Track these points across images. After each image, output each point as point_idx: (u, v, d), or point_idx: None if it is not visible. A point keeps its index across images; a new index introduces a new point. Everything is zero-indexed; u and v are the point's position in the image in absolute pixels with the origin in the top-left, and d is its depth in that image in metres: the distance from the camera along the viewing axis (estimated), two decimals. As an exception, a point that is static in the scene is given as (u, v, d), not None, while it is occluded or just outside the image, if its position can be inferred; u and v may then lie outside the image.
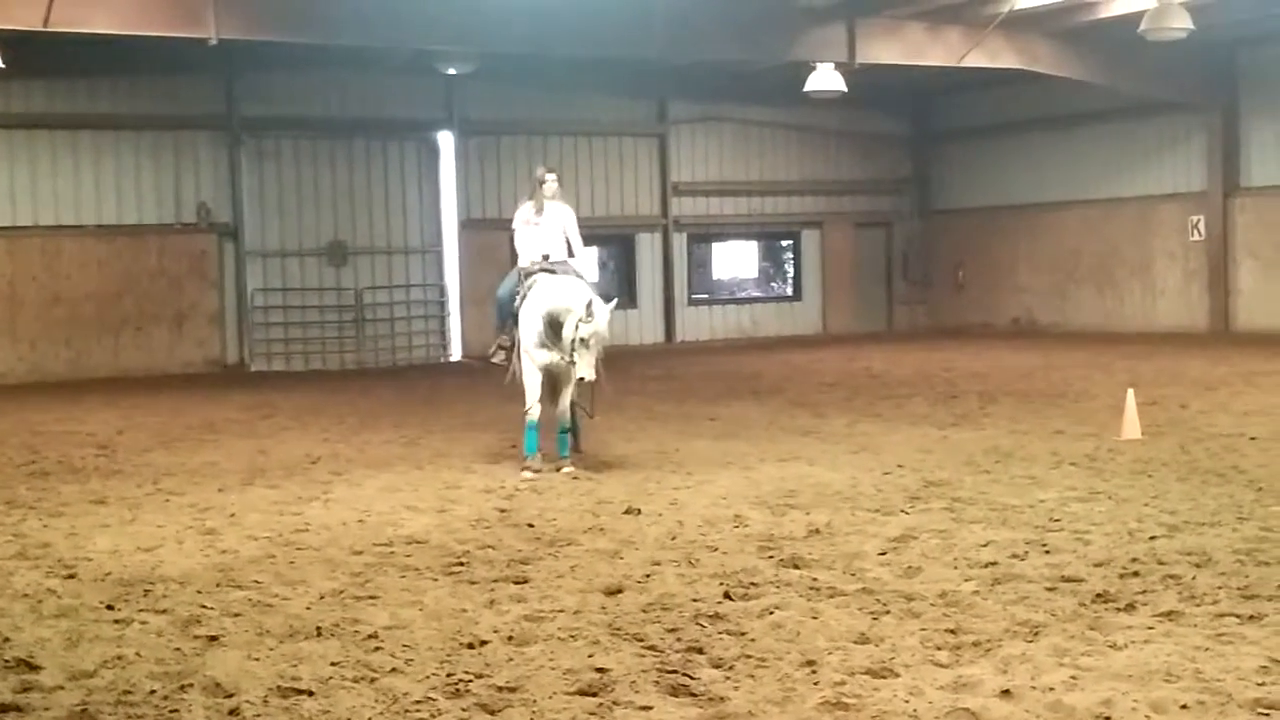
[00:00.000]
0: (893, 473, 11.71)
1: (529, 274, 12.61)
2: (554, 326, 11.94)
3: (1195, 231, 28.01)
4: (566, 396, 12.48)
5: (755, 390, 19.69)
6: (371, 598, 7.81)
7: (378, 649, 6.77)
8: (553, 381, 12.53)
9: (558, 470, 12.12)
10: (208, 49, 19.36)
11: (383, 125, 27.52)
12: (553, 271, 12.56)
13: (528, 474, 11.99)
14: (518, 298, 12.55)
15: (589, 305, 11.68)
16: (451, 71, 26.54)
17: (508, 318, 12.82)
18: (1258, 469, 11.32)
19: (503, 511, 10.43)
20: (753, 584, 7.83)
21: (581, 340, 11.65)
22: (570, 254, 12.96)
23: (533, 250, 12.81)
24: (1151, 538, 8.75)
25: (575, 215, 13.16)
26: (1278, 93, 26.54)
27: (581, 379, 11.80)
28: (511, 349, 12.73)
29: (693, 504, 10.53)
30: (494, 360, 13.04)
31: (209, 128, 26.30)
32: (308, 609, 7.57)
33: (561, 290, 12.10)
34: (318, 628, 7.13)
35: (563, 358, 11.98)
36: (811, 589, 7.68)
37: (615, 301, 12.45)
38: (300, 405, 19.27)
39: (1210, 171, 27.68)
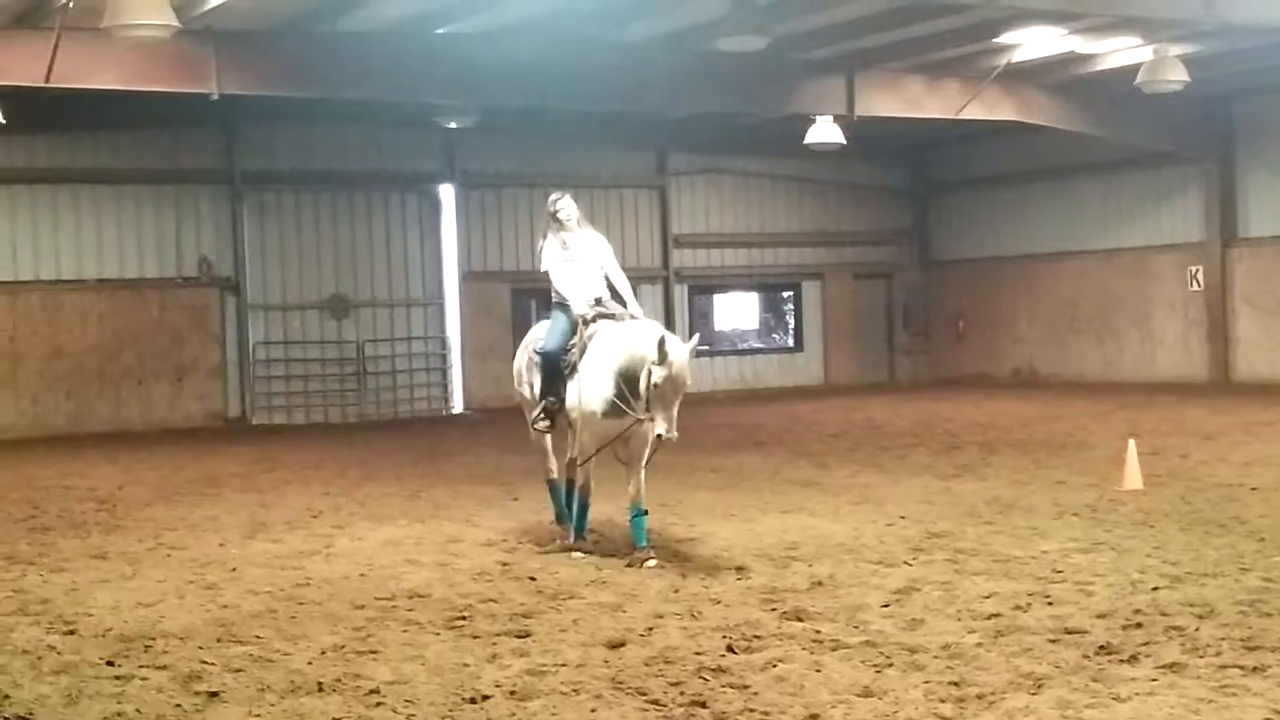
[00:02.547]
0: (895, 524, 11.69)
1: (585, 321, 10.63)
2: (630, 381, 10.02)
3: (1194, 282, 28.07)
4: (641, 468, 10.52)
5: (757, 441, 19.69)
6: (373, 652, 7.78)
7: (379, 704, 6.75)
8: (622, 449, 10.58)
9: (639, 565, 10.06)
10: (209, 103, 19.46)
11: (384, 178, 27.63)
12: (613, 317, 10.70)
13: (579, 555, 10.49)
14: (573, 350, 10.61)
15: (661, 344, 9.70)
16: (452, 125, 26.70)
17: (556, 376, 10.74)
18: (1259, 519, 11.32)
19: (505, 564, 10.41)
20: (756, 637, 7.81)
21: (655, 387, 9.71)
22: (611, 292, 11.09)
23: (582, 291, 10.81)
24: (1154, 589, 8.74)
25: (608, 244, 11.25)
26: (1274, 144, 26.68)
27: (659, 437, 9.83)
28: (559, 412, 10.79)
29: (695, 556, 10.52)
30: (538, 427, 10.98)
31: (210, 182, 26.39)
32: (309, 664, 7.54)
33: (632, 336, 10.21)
34: (319, 683, 7.11)
35: (639, 417, 10.04)
36: (815, 641, 7.66)
37: (697, 338, 10.52)
38: (302, 459, 19.25)
39: (1208, 222, 27.77)
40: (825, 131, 24.82)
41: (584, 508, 10.81)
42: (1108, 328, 29.69)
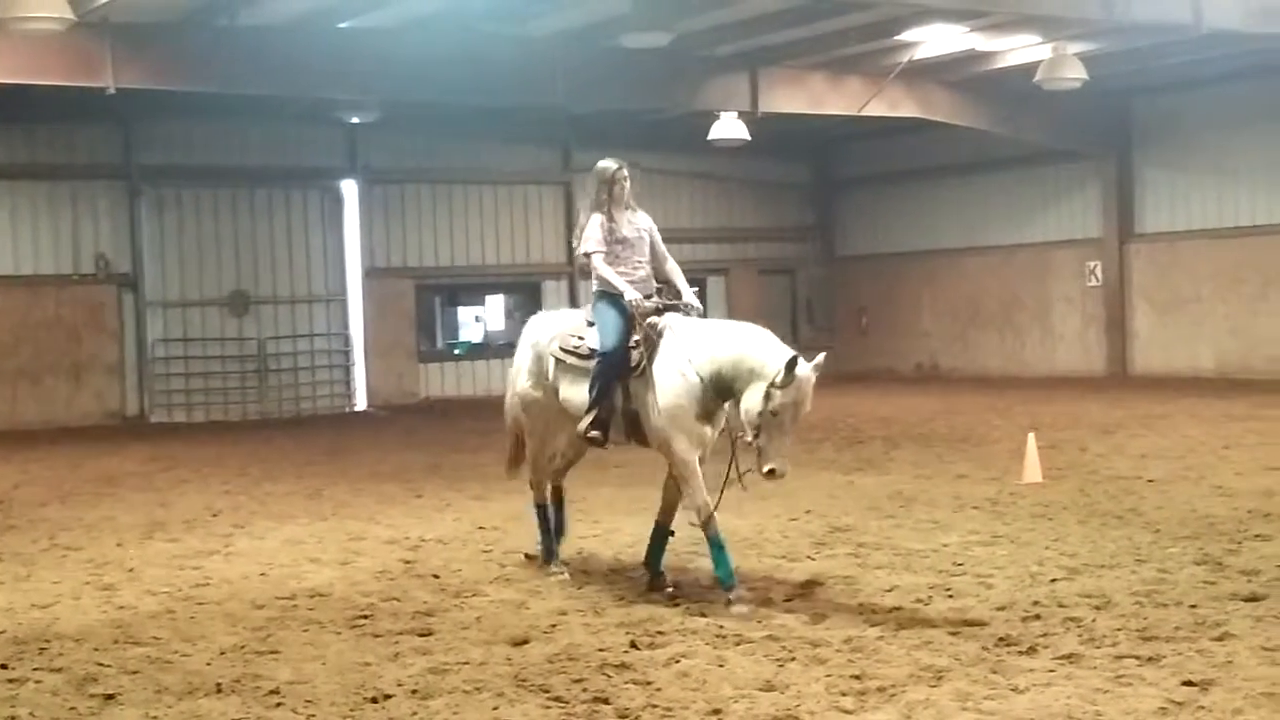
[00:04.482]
0: (799, 519, 11.75)
1: (645, 315, 9.08)
2: (723, 390, 8.61)
3: (1092, 277, 28.53)
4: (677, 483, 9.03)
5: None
6: (273, 652, 7.70)
7: (279, 705, 6.68)
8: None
9: (664, 590, 8.93)
10: (106, 97, 19.12)
11: (285, 174, 27.29)
12: (676, 309, 9.24)
13: (741, 607, 8.31)
14: (638, 352, 8.98)
15: (792, 364, 8.19)
16: (354, 120, 26.44)
17: (613, 379, 9.06)
18: (1155, 511, 11.51)
19: (407, 563, 10.34)
20: (659, 632, 7.82)
21: (773, 414, 8.22)
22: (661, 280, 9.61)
23: (634, 280, 9.28)
24: (1052, 581, 8.86)
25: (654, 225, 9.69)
26: (1170, 141, 27.19)
27: (772, 472, 8.30)
28: (610, 419, 9.12)
29: (599, 553, 10.51)
30: (590, 436, 9.14)
31: (107, 177, 25.90)
32: (208, 665, 7.45)
33: (739, 340, 8.65)
34: (218, 684, 7.02)
35: (736, 435, 8.70)
36: (718, 636, 7.68)
37: (822, 357, 8.59)
38: (201, 457, 18.98)
39: (1106, 218, 28.24)
40: (729, 128, 24.90)
41: (721, 547, 8.70)
42: (1009, 323, 30.09)
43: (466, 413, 25.57)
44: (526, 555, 10.16)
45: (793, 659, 7.16)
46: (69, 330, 25.59)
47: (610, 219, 9.37)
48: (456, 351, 30.93)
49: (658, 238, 9.59)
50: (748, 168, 31.50)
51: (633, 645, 7.55)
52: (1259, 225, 25.80)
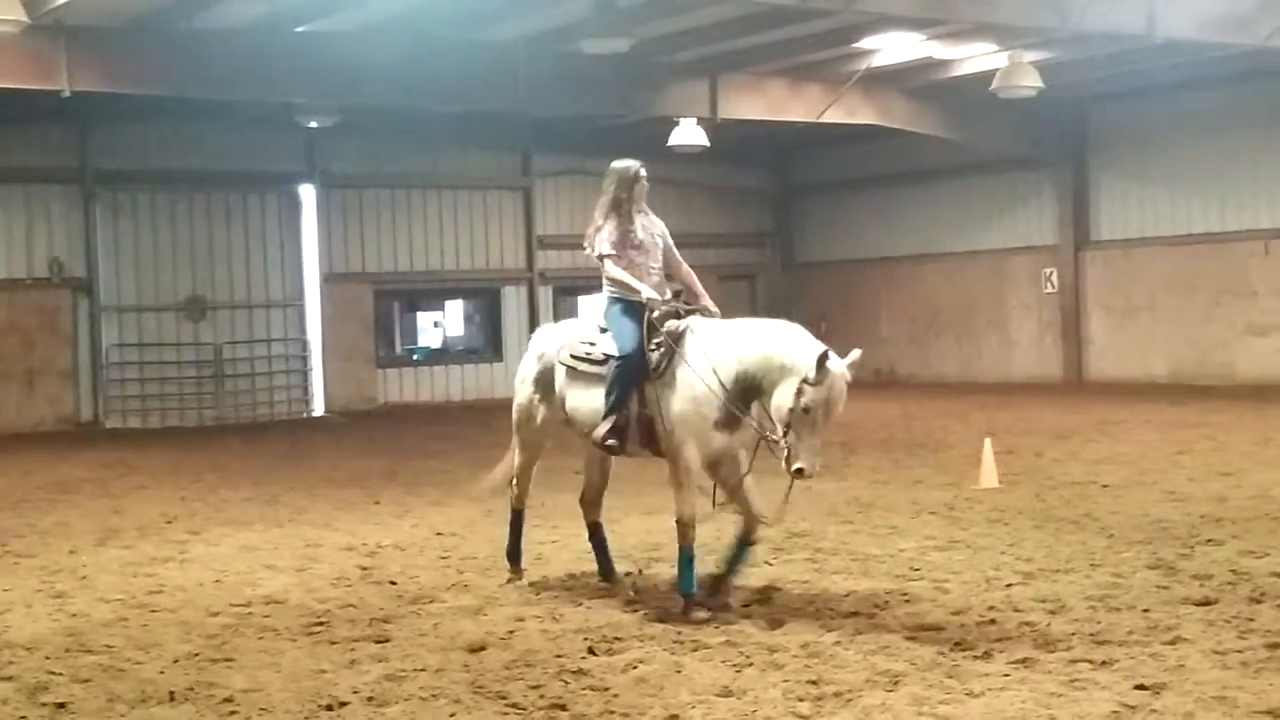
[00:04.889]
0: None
1: (665, 317, 8.81)
2: (750, 390, 8.38)
3: (1048, 284, 28.71)
4: (743, 488, 8.77)
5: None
6: (227, 660, 7.66)
7: (233, 713, 6.65)
8: (713, 474, 8.83)
9: (724, 604, 8.51)
10: (60, 100, 18.96)
11: (242, 178, 27.12)
12: (696, 311, 8.97)
13: (701, 613, 8.30)
14: (656, 353, 8.71)
15: (823, 360, 8.03)
16: (313, 124, 26.30)
17: (632, 384, 8.74)
18: (1109, 516, 11.60)
19: (364, 569, 10.30)
20: (617, 639, 7.81)
21: (806, 410, 8.03)
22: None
23: (651, 285, 9.00)
24: (1008, 585, 8.91)
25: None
26: (1125, 149, 27.41)
27: (800, 471, 8.09)
28: (629, 425, 8.77)
29: (557, 559, 10.50)
30: (608, 443, 8.78)
31: (62, 181, 25.67)
32: (161, 673, 7.39)
33: (768, 338, 8.42)
34: (171, 692, 6.98)
35: (768, 435, 8.38)
36: (675, 642, 7.68)
37: (859, 354, 8.52)
38: (157, 463, 18.84)
39: (1062, 226, 28.43)
40: (689, 134, 24.96)
41: (690, 558, 8.56)
42: (966, 329, 30.23)
43: (425, 419, 25.49)
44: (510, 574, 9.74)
45: (750, 664, 7.17)
46: (22, 335, 25.33)
47: (627, 222, 9.15)
48: (415, 357, 30.86)
49: (670, 242, 9.37)
50: (707, 174, 31.52)
51: (590, 651, 7.55)
52: (1212, 233, 26.04)
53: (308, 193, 28.03)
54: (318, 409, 27.91)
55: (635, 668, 7.17)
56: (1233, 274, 25.74)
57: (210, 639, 8.15)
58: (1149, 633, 7.53)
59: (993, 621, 7.91)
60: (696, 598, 8.40)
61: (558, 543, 11.23)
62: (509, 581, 9.55)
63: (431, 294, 31.68)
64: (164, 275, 26.55)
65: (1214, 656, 7.00)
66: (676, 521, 8.60)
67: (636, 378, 8.71)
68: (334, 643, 7.97)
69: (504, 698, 6.74)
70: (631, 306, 8.89)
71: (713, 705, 6.50)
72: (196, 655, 7.76)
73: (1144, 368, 26.96)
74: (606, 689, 6.83)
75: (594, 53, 19.03)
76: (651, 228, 9.28)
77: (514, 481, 9.95)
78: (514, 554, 9.80)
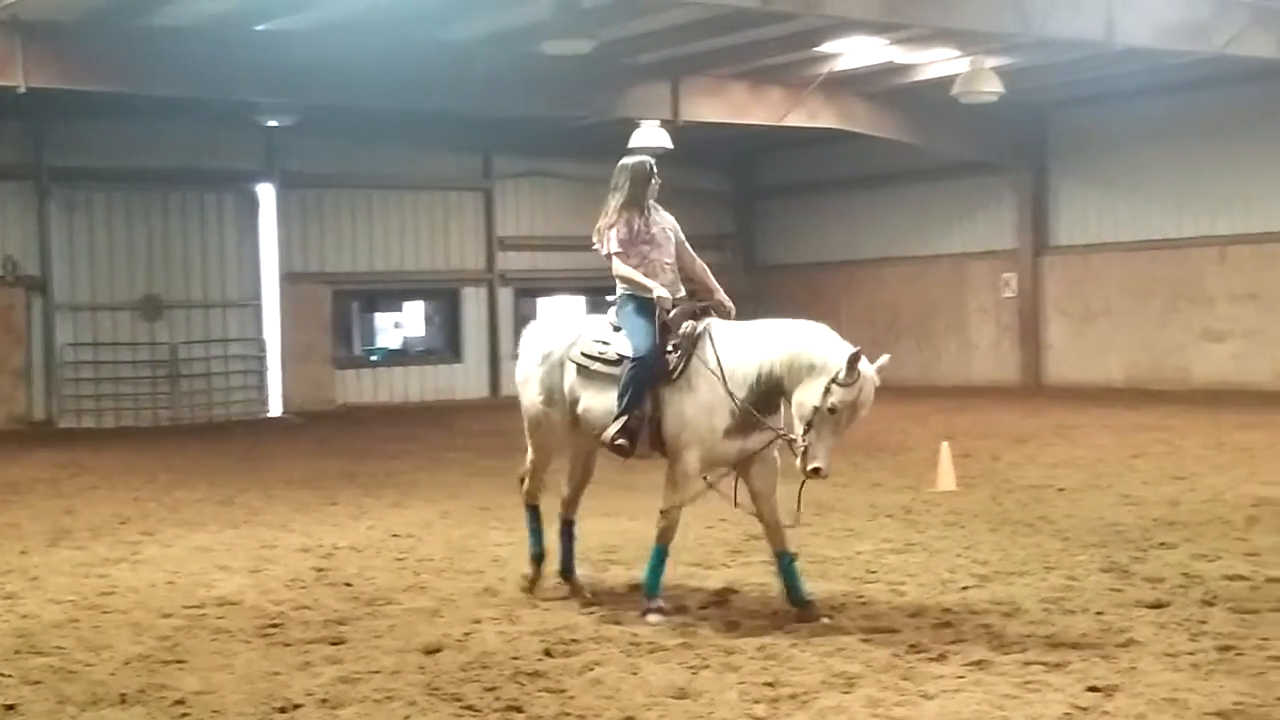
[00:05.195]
0: (715, 527, 11.75)
1: (681, 317, 8.62)
2: (772, 391, 8.24)
3: (1007, 288, 28.87)
4: (774, 500, 8.54)
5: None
6: (180, 662, 7.59)
7: (185, 715, 6.60)
8: (743, 474, 8.62)
9: (819, 620, 8.13)
10: (16, 97, 18.78)
11: (200, 177, 26.93)
12: (711, 310, 8.82)
13: (656, 617, 8.27)
14: (675, 356, 8.49)
15: (854, 361, 8.01)
16: (272, 123, 26.17)
17: (646, 386, 8.48)
18: (1065, 519, 11.66)
19: (320, 571, 10.23)
20: (573, 640, 7.79)
21: (831, 410, 7.95)
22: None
23: (663, 284, 8.75)
24: (963, 588, 8.95)
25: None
26: (1085, 155, 27.58)
27: (817, 470, 7.99)
28: (640, 427, 8.54)
29: (515, 560, 10.44)
30: (618, 444, 8.54)
31: (16, 178, 25.42)
32: (112, 675, 7.32)
33: (794, 337, 8.25)
34: (122, 695, 6.92)
35: (785, 435, 8.24)
36: (632, 644, 7.67)
37: (888, 359, 8.56)
38: (111, 463, 18.70)
39: (1021, 230, 28.59)
40: (650, 136, 24.94)
41: (662, 557, 8.53)
42: (926, 333, 30.34)
43: (383, 420, 25.40)
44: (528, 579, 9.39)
45: (706, 667, 7.16)
46: (-25, 334, 25.14)
47: (638, 218, 8.94)
48: (374, 358, 30.74)
49: (682, 236, 9.15)
50: (668, 176, 30.59)
51: (546, 653, 7.53)
52: (1169, 239, 26.23)
53: (266, 192, 27.87)
54: (274, 410, 27.75)
55: (591, 670, 7.16)
56: (1189, 280, 25.94)
57: (162, 640, 8.09)
58: (1102, 635, 7.57)
59: (948, 624, 7.93)
60: (655, 602, 8.30)
61: (515, 545, 11.17)
62: (527, 587, 9.19)
63: (391, 295, 31.57)
64: (119, 274, 26.35)
65: (1166, 659, 7.05)
66: (660, 512, 8.47)
67: (651, 379, 8.48)
68: (288, 644, 7.92)
69: (459, 699, 6.71)
70: (645, 305, 8.65)
71: (668, 707, 6.49)
72: (148, 657, 7.69)
73: (1101, 372, 27.13)
74: (562, 691, 6.81)
75: (555, 54, 19.00)
76: (663, 223, 9.09)
77: (525, 477, 9.62)
78: (537, 553, 9.36)
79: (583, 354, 8.87)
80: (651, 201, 9.03)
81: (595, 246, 9.08)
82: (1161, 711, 6.21)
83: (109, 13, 18.37)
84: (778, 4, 17.05)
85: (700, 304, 8.81)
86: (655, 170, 9.09)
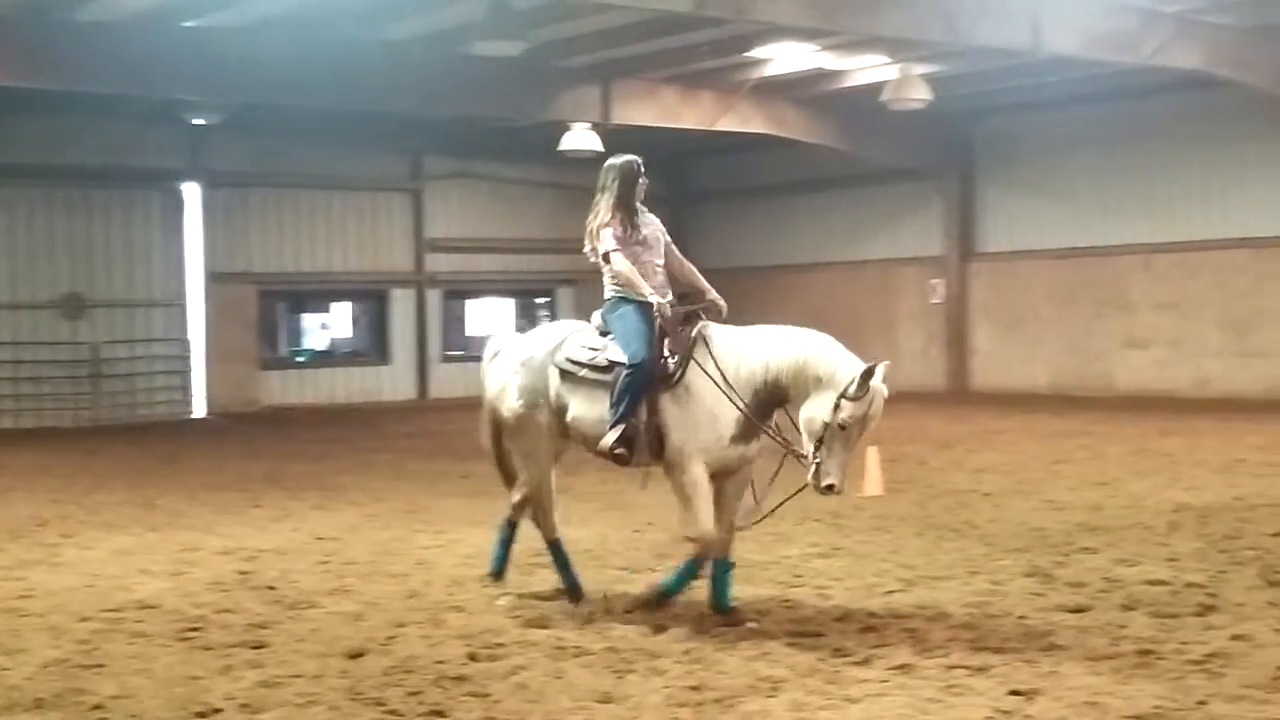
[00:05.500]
0: (643, 530, 11.76)
1: (676, 322, 8.35)
2: (772, 401, 8.17)
3: (935, 294, 29.10)
4: (737, 504, 8.48)
5: (508, 448, 19.58)
6: (98, 666, 7.47)
7: (102, 720, 6.48)
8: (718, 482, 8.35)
9: (744, 624, 8.06)
10: (-66, 91, 18.50)
11: (123, 174, 26.58)
12: (706, 311, 8.57)
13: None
14: (674, 362, 8.23)
15: (868, 374, 7.87)
16: (198, 121, 25.88)
17: (643, 392, 8.23)
18: (989, 524, 11.75)
19: (243, 574, 10.11)
20: (498, 645, 7.74)
21: (841, 426, 7.84)
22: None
23: (654, 286, 8.50)
24: (889, 592, 8.98)
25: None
26: (1011, 162, 27.88)
27: (831, 487, 7.92)
28: (638, 435, 8.26)
29: (440, 564, 10.39)
30: (617, 453, 8.30)
31: (-63, 174, 25.07)
32: (28, 679, 7.19)
33: (801, 345, 8.12)
34: (38, 699, 6.80)
35: (794, 450, 8.13)
36: (557, 649, 7.63)
37: (888, 365, 8.20)
38: (29, 464, 18.41)
39: (948, 237, 28.84)
40: (581, 139, 24.94)
41: (695, 570, 8.26)
42: (854, 338, 29.77)
43: (309, 421, 25.19)
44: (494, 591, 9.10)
45: (632, 670, 7.14)
46: (-110, 333, 24.68)
47: (630, 218, 8.65)
48: (300, 359, 30.48)
49: (669, 239, 8.86)
50: (596, 179, 31.42)
51: (471, 657, 7.47)
52: (1094, 246, 26.55)
53: (192, 190, 27.58)
54: (198, 411, 27.46)
55: (516, 674, 7.11)
56: (1114, 288, 26.27)
57: (80, 644, 7.95)
58: (1024, 639, 7.62)
59: (873, 628, 7.95)
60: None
61: (442, 547, 11.13)
62: (581, 609, 8.58)
63: (318, 295, 31.33)
64: (40, 272, 25.99)
65: (1086, 663, 7.11)
66: (690, 540, 8.20)
67: (647, 385, 8.21)
68: (208, 649, 7.81)
69: (382, 704, 6.65)
70: (640, 308, 8.41)
71: (594, 711, 6.47)
72: (66, 661, 7.56)
73: (1027, 378, 27.41)
74: (487, 695, 6.76)
75: (487, 55, 18.95)
76: (652, 224, 8.81)
77: (535, 509, 8.98)
78: (574, 589, 8.85)
79: (570, 360, 8.56)
80: (638, 203, 8.75)
81: (586, 249, 8.84)
82: (1082, 715, 6.26)
83: (33, 7, 18.11)
84: (708, 9, 17.07)
85: (694, 307, 8.54)
86: (643, 170, 8.81)
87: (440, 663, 7.36)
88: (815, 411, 7.86)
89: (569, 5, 18.69)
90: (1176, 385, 25.05)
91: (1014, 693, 6.57)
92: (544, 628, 8.13)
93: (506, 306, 35.92)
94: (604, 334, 8.55)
